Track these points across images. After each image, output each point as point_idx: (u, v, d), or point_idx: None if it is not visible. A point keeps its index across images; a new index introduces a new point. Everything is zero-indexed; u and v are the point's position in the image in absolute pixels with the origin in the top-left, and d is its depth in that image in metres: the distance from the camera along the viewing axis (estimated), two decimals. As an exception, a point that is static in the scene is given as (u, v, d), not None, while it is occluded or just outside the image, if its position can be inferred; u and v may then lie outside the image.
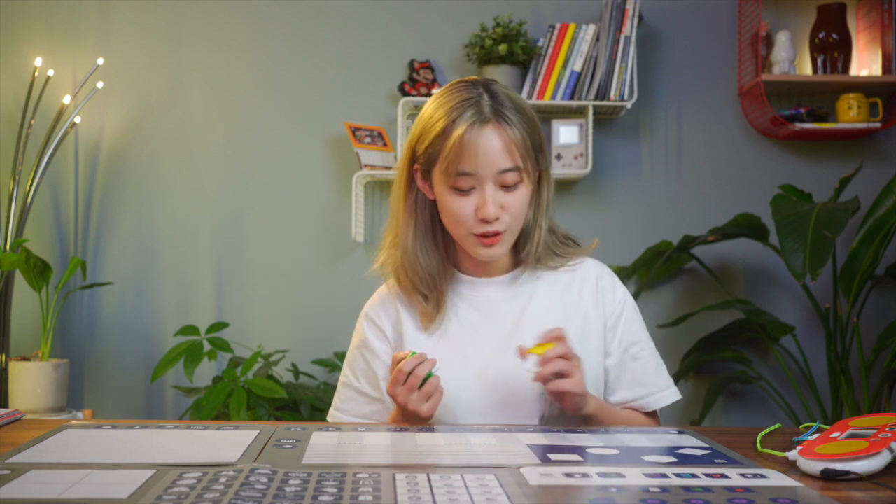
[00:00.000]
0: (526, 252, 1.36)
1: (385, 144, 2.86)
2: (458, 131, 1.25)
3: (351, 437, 1.08)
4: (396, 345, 1.38)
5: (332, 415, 1.42)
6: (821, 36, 2.85)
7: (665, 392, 1.38)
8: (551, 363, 1.18)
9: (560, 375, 1.19)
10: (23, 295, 2.82)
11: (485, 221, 1.27)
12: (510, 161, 1.26)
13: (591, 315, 1.37)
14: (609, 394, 1.38)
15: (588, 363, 1.32)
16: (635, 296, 2.28)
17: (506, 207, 1.27)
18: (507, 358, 1.30)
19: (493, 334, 1.35)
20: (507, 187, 1.27)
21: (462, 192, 1.27)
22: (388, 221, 1.40)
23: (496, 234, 1.28)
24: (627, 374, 1.37)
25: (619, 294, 1.41)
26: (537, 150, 1.31)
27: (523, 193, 1.29)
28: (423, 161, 1.32)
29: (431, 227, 1.36)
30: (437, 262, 1.36)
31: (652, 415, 1.39)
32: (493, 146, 1.25)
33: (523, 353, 1.20)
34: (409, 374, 1.20)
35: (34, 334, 2.89)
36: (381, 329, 1.40)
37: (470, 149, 1.25)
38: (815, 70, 2.86)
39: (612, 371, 1.37)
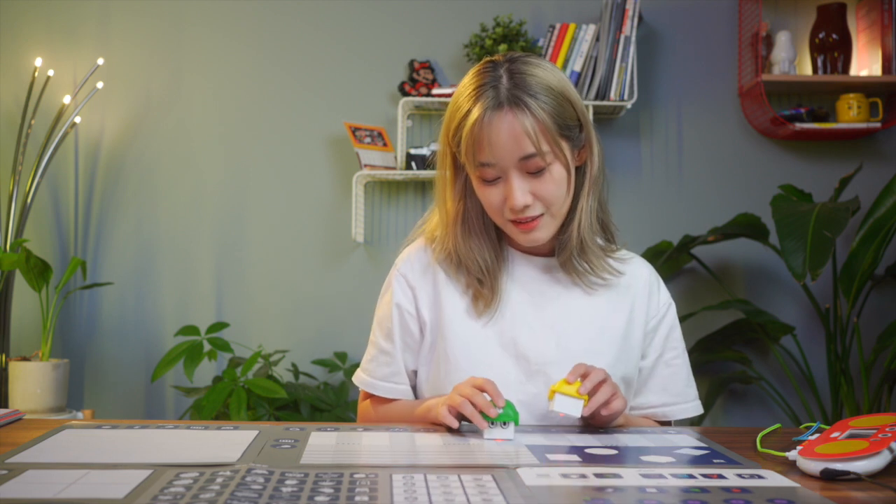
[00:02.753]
0: (567, 234, 1.27)
1: (385, 144, 2.86)
2: (472, 120, 1.19)
3: (349, 437, 1.08)
4: (434, 313, 1.31)
5: (358, 375, 1.38)
6: (821, 36, 2.84)
7: (690, 404, 1.34)
8: (597, 394, 1.12)
9: (606, 401, 1.13)
10: (23, 295, 2.83)
11: (515, 211, 1.21)
12: (528, 147, 1.18)
13: (638, 312, 1.33)
14: (635, 395, 1.34)
15: (625, 361, 1.30)
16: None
17: (537, 194, 1.21)
18: (548, 344, 1.27)
19: (536, 317, 1.29)
20: (533, 173, 1.20)
21: (489, 182, 1.22)
22: (435, 207, 1.33)
23: (532, 219, 1.22)
24: (658, 379, 1.34)
25: (664, 298, 1.36)
26: (567, 128, 1.22)
27: (555, 177, 1.21)
28: (455, 147, 1.25)
29: (482, 211, 1.28)
30: (490, 250, 1.29)
31: (667, 425, 1.35)
32: (506, 134, 1.17)
33: (552, 394, 1.11)
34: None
35: (34, 334, 2.89)
36: (412, 287, 1.33)
37: (483, 139, 1.18)
38: (815, 70, 2.86)
39: (643, 373, 1.34)
